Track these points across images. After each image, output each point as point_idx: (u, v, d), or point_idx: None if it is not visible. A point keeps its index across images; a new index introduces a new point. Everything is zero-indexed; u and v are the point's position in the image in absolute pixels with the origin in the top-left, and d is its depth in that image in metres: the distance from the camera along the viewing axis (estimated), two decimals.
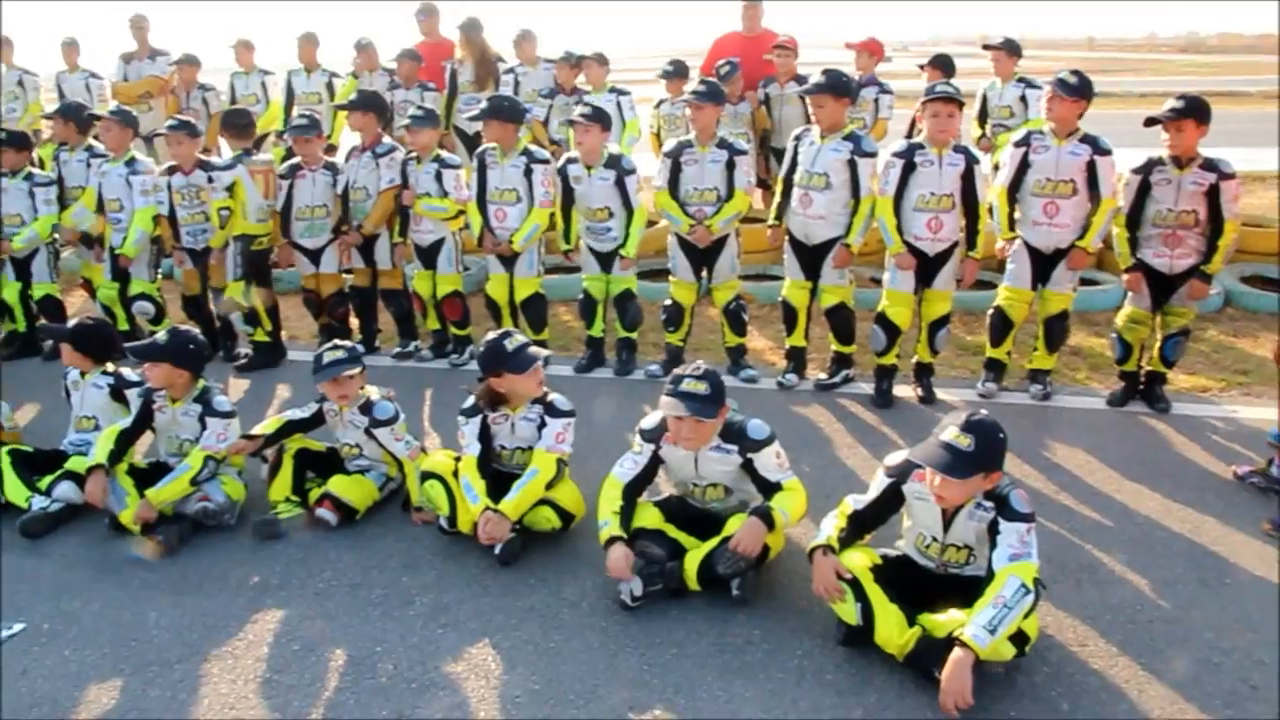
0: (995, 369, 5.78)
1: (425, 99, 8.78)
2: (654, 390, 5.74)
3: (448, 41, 9.48)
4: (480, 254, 6.84)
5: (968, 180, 5.34)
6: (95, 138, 7.06)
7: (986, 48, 8.04)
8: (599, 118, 5.90)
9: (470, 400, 4.28)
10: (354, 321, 6.87)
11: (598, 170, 5.93)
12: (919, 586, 3.46)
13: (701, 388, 3.66)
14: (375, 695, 3.31)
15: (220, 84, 10.57)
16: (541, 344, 4.98)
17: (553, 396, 4.22)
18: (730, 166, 5.80)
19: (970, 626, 3.04)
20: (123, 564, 4.21)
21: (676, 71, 8.68)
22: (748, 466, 3.78)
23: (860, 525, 3.57)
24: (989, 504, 3.28)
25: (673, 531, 3.89)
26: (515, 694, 3.30)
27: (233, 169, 6.31)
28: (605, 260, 6.10)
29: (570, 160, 6.07)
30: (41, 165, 7.45)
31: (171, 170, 6.47)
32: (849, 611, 3.38)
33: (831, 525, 3.54)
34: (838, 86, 5.48)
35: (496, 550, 4.01)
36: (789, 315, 5.89)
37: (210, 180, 6.38)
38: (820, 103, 5.49)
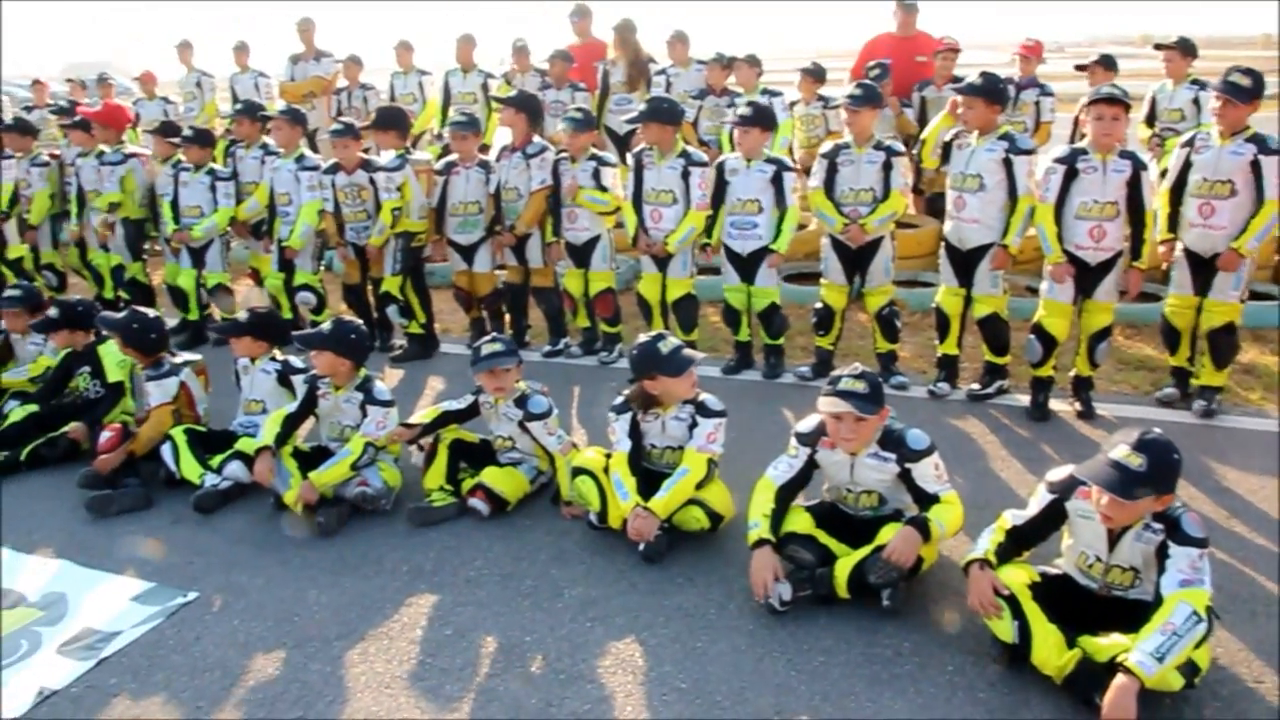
0: (1179, 376, 5.58)
1: (576, 99, 8.91)
2: (802, 394, 5.72)
3: (600, 42, 9.59)
4: (631, 253, 6.90)
5: (1134, 187, 5.10)
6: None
7: (1159, 47, 7.69)
8: (760, 119, 5.84)
9: (622, 397, 4.31)
10: (506, 317, 6.99)
11: (757, 163, 5.88)
12: (1080, 607, 3.32)
13: (860, 386, 3.61)
14: (524, 684, 3.37)
15: (380, 84, 10.94)
16: (691, 345, 4.97)
17: (704, 396, 4.22)
18: (887, 168, 5.70)
19: (1136, 653, 2.91)
20: (286, 542, 4.40)
21: (812, 73, 8.61)
22: (905, 476, 3.71)
23: (1019, 541, 3.46)
24: (1159, 526, 3.13)
25: (823, 537, 3.84)
26: (662, 692, 3.31)
27: (401, 169, 6.48)
28: (745, 267, 6.01)
29: (730, 156, 6.05)
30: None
31: (334, 169, 6.69)
32: (1005, 629, 3.28)
33: (989, 539, 3.43)
34: (992, 92, 5.34)
35: (641, 547, 4.04)
36: (942, 322, 5.75)
37: (371, 180, 6.57)
38: (971, 104, 5.35)
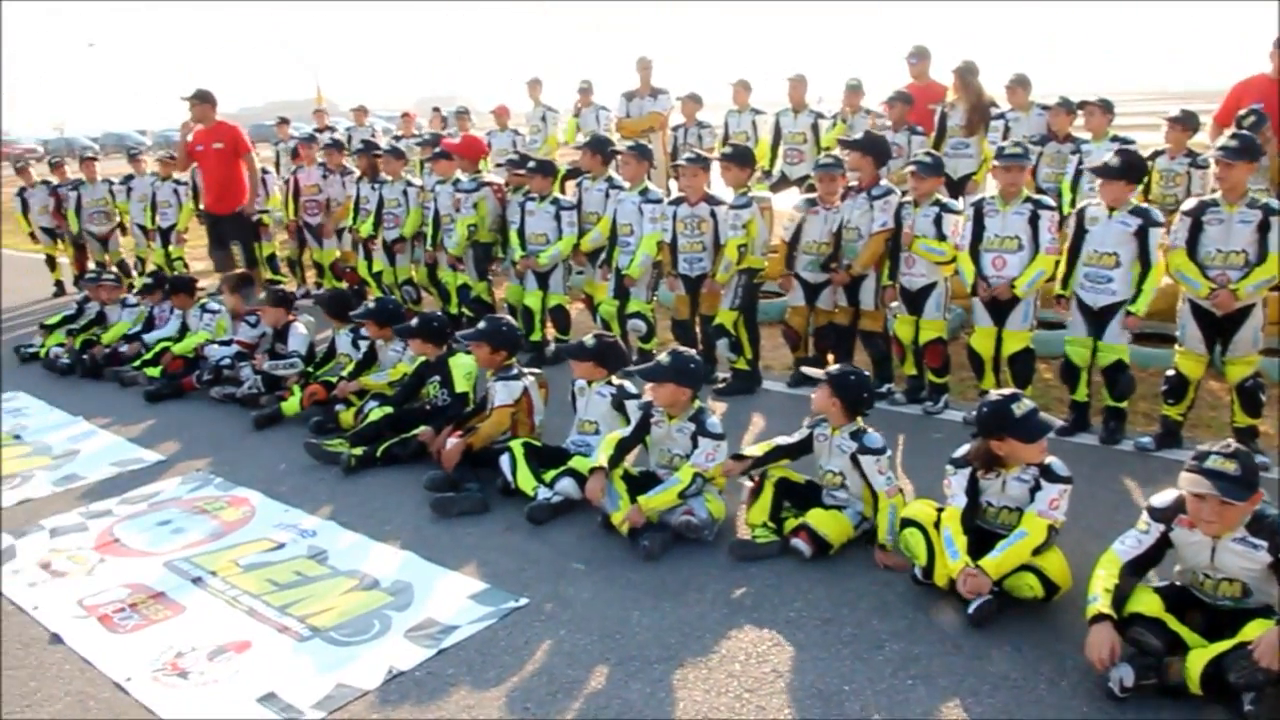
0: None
1: (913, 143, 8.77)
2: (1144, 464, 5.33)
3: (939, 85, 9.40)
4: (963, 303, 6.69)
5: None
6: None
7: None
8: (1128, 171, 5.47)
9: (962, 450, 4.17)
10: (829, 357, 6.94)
11: (1120, 214, 5.52)
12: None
13: (1231, 467, 3.30)
14: None
15: (716, 121, 11.23)
16: None
17: (1050, 460, 4.00)
18: (1264, 228, 5.20)
19: None
20: (612, 560, 4.55)
21: (1182, 122, 7.74)
22: (1278, 568, 3.36)
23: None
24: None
25: (1173, 624, 3.51)
26: None
27: (748, 206, 6.61)
28: (1095, 321, 5.64)
29: (1091, 204, 5.74)
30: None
31: (678, 200, 6.90)
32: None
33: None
34: None
35: (970, 609, 3.87)
36: None
37: (713, 214, 6.72)
38: None
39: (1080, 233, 5.67)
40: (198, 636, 4.08)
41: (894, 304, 6.51)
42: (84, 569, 4.79)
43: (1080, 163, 7.81)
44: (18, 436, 6.90)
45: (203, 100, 9.22)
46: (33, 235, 12.66)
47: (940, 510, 4.14)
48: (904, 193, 6.34)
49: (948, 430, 5.97)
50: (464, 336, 5.65)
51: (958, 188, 8.61)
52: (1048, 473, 3.96)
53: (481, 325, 5.69)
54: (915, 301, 6.29)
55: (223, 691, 3.70)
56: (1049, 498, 3.91)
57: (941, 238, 6.08)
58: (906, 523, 4.18)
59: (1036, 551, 3.89)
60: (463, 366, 5.97)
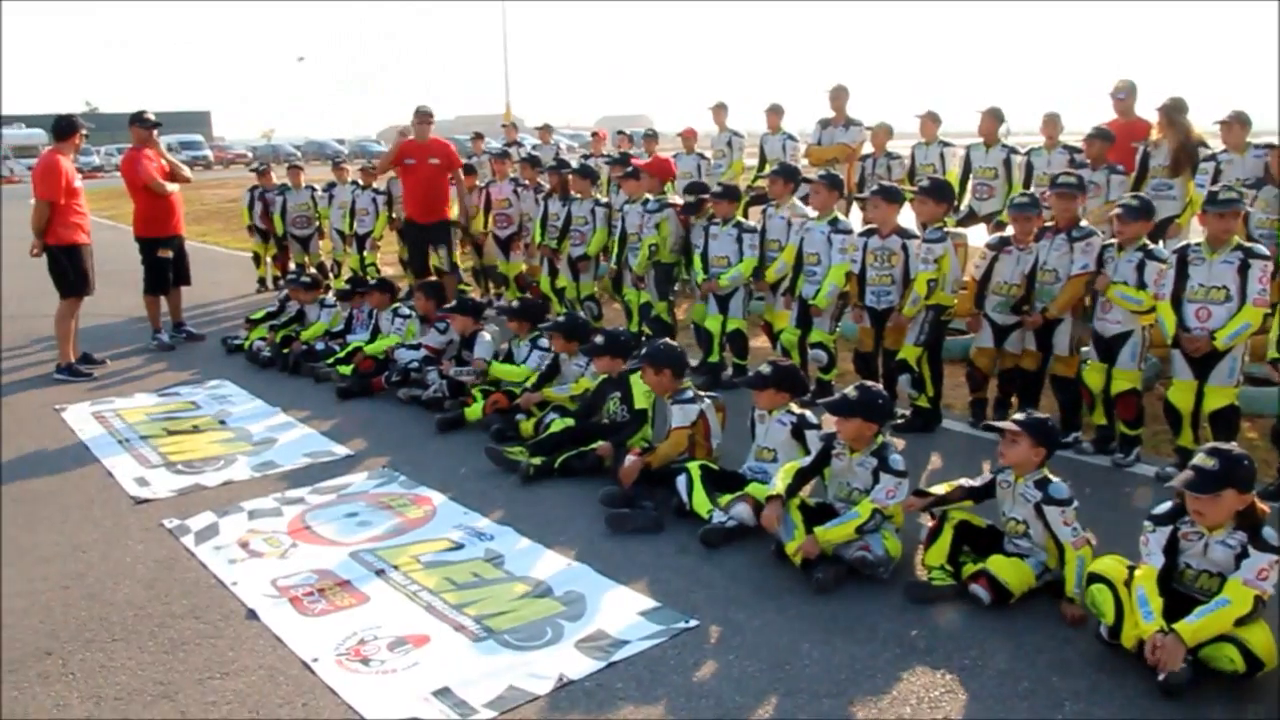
0: None
1: (1111, 182, 8.44)
2: None
3: (1143, 122, 9.01)
4: (1160, 352, 6.39)
5: None
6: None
7: None
8: None
9: (1164, 507, 3.98)
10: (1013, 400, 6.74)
11: None
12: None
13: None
14: None
15: (905, 152, 11.05)
16: None
17: (1266, 530, 3.75)
18: None
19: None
20: (784, 590, 4.52)
21: None
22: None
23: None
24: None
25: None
26: None
27: (943, 241, 6.49)
28: None
29: None
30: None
31: (869, 231, 6.82)
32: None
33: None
34: None
35: (1161, 677, 3.67)
36: None
37: (904, 247, 6.63)
38: None
39: None
40: (379, 626, 4.27)
41: (1085, 349, 6.26)
42: (278, 551, 5.07)
43: None
44: (223, 421, 7.37)
45: (424, 118, 9.97)
46: (250, 229, 13.46)
47: (1132, 568, 3.96)
48: (1107, 238, 6.09)
49: (1138, 485, 5.71)
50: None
51: (1158, 231, 8.21)
52: (1257, 539, 3.72)
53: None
54: (1109, 349, 6.03)
55: (400, 681, 3.85)
56: (1258, 566, 3.66)
57: (1142, 285, 5.80)
58: (1094, 578, 3.99)
59: (1239, 622, 3.66)
60: (643, 384, 6.05)
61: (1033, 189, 8.89)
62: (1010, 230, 6.58)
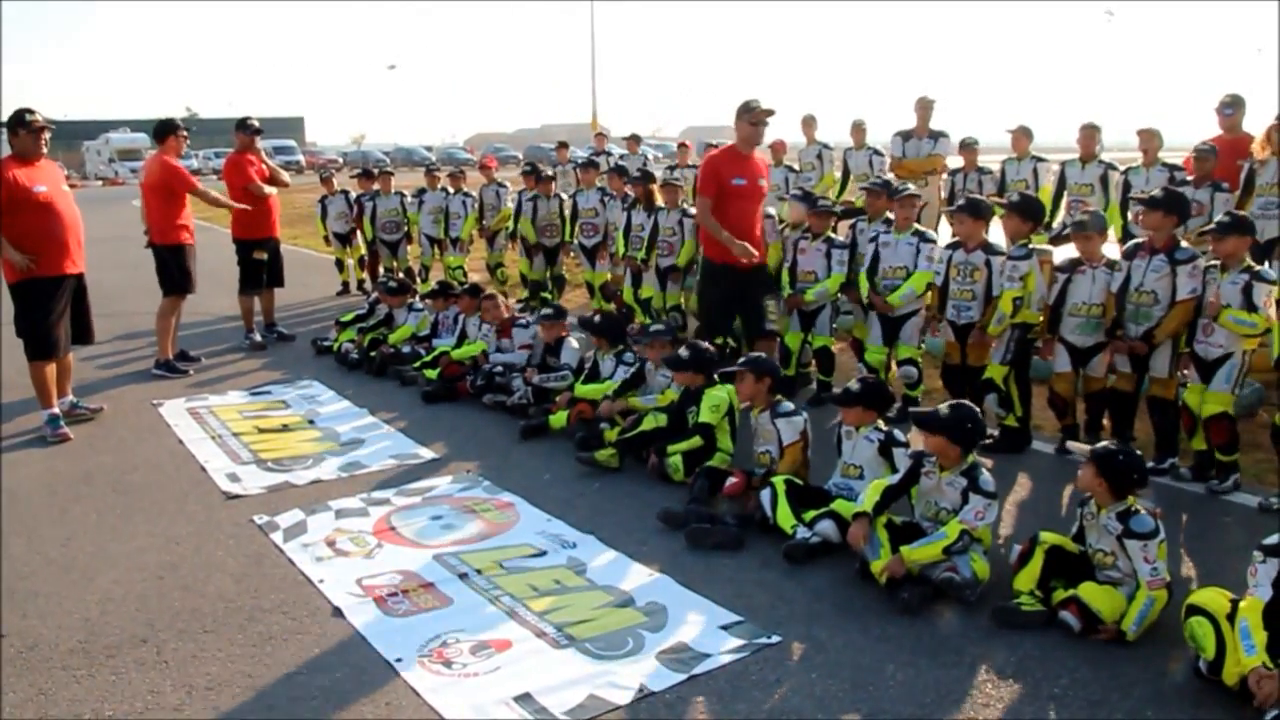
0: None
1: (1216, 200, 8.20)
2: None
3: (1249, 137, 8.74)
4: (1265, 377, 6.18)
5: None
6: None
7: None
8: None
9: (1275, 538, 3.83)
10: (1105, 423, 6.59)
11: None
12: None
13: None
14: None
15: (997, 166, 10.87)
16: None
17: None
18: None
19: None
20: (868, 610, 4.46)
21: None
22: None
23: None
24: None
25: None
26: None
27: (1028, 259, 6.37)
28: None
29: None
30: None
31: (954, 245, 6.73)
32: None
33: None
34: None
35: (1267, 718, 3.53)
36: None
37: (988, 263, 6.53)
38: None
39: None
40: (462, 629, 4.31)
41: (1186, 371, 6.07)
42: (363, 551, 5.15)
43: None
44: (311, 421, 7.52)
45: None
46: (327, 239, 13.77)
47: (1235, 601, 3.82)
48: (1210, 259, 5.90)
49: (1237, 514, 5.52)
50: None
51: (1265, 252, 7.94)
52: None
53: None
54: (1207, 371, 5.83)
55: (482, 684, 3.89)
56: None
57: (1251, 308, 5.60)
58: (1194, 610, 3.86)
59: None
60: (712, 398, 5.97)
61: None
62: (1074, 251, 6.43)
